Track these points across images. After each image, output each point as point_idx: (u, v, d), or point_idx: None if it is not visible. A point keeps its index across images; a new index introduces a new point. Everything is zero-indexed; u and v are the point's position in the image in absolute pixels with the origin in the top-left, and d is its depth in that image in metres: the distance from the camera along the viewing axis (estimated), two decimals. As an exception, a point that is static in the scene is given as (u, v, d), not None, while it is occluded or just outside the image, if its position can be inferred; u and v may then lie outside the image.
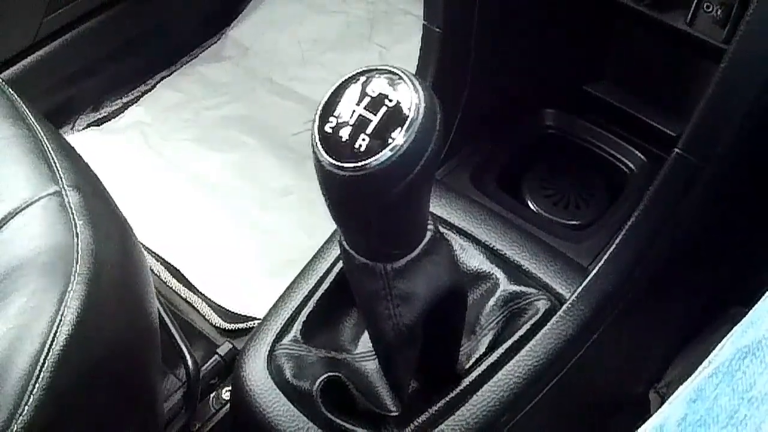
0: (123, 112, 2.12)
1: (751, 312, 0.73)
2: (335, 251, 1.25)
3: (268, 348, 1.20)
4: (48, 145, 1.11)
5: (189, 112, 2.11)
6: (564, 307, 1.18)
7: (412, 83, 0.78)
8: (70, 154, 1.12)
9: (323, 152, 0.78)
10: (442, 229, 0.96)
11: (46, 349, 0.89)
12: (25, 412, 0.86)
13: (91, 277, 0.95)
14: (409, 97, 0.77)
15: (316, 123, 0.80)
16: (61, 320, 0.90)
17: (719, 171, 1.12)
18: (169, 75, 2.21)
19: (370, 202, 0.81)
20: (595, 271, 1.19)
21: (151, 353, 1.10)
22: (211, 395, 1.53)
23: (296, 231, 1.81)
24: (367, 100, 0.78)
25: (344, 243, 0.90)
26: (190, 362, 1.44)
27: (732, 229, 1.35)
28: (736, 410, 0.64)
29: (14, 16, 1.86)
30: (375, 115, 0.77)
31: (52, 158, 1.09)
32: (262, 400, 1.16)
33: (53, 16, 1.91)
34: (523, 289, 1.20)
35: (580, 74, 1.51)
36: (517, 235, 1.27)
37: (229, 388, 1.44)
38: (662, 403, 0.73)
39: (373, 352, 1.13)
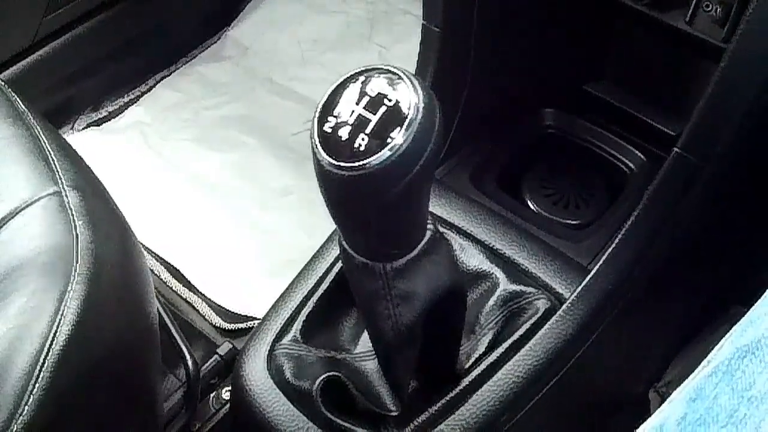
0: (123, 112, 2.12)
1: (750, 311, 0.73)
2: (335, 251, 1.25)
3: (268, 348, 1.20)
4: (48, 146, 1.11)
5: (189, 112, 2.11)
6: (564, 306, 1.18)
7: (412, 83, 0.78)
8: (69, 155, 1.12)
9: (322, 152, 0.78)
10: (441, 229, 0.96)
11: (46, 349, 0.89)
12: (25, 412, 0.86)
13: (90, 277, 0.95)
14: (409, 97, 0.77)
15: (315, 123, 0.80)
16: (60, 320, 0.91)
17: (719, 170, 1.12)
18: (168, 75, 2.21)
19: (369, 202, 0.81)
20: (594, 271, 1.19)
21: (151, 353, 1.10)
22: (211, 395, 1.53)
23: (296, 231, 1.81)
24: (366, 99, 0.78)
25: (344, 243, 0.90)
26: (190, 362, 1.44)
27: (731, 228, 1.35)
28: (735, 409, 0.64)
29: (14, 16, 1.86)
30: (374, 114, 0.77)
31: (52, 158, 1.09)
32: (262, 400, 1.16)
33: (53, 16, 1.91)
34: (523, 288, 1.20)
35: (580, 74, 1.51)
36: (517, 234, 1.27)
37: (229, 387, 1.44)
38: (662, 402, 0.73)
39: (373, 352, 1.13)
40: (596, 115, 1.51)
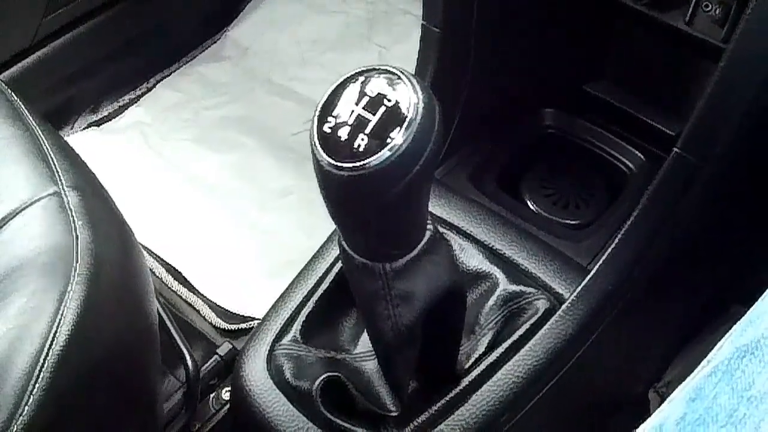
0: (122, 112, 2.12)
1: (750, 311, 0.73)
2: (335, 251, 1.25)
3: (268, 348, 1.20)
4: (47, 146, 1.11)
5: (188, 112, 2.11)
6: (563, 306, 1.18)
7: (411, 83, 0.78)
8: (69, 155, 1.13)
9: (322, 152, 0.78)
10: (441, 229, 0.96)
11: (45, 350, 0.89)
12: (25, 412, 0.86)
13: (90, 278, 0.95)
14: (408, 97, 0.77)
15: (315, 123, 0.80)
16: (60, 320, 0.91)
17: (718, 170, 1.12)
18: (168, 75, 2.21)
19: (368, 202, 0.81)
20: (594, 271, 1.19)
21: (150, 354, 1.10)
22: (211, 395, 1.53)
23: (295, 231, 1.81)
24: (365, 99, 0.78)
25: (343, 243, 0.90)
26: (189, 362, 1.44)
27: (731, 228, 1.35)
28: (735, 409, 0.64)
29: (14, 17, 1.86)
30: (374, 114, 0.77)
31: (52, 159, 1.09)
32: (261, 400, 1.16)
33: (52, 16, 1.91)
34: (523, 288, 1.20)
35: (580, 74, 1.51)
36: (517, 234, 1.27)
37: (229, 388, 1.45)
38: (662, 402, 0.73)
39: (373, 352, 1.13)
40: (596, 115, 1.51)
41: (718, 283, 1.48)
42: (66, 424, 0.92)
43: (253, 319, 1.65)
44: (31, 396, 0.87)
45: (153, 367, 1.12)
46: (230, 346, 1.58)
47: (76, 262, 0.96)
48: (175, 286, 1.73)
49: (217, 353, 1.57)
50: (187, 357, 1.45)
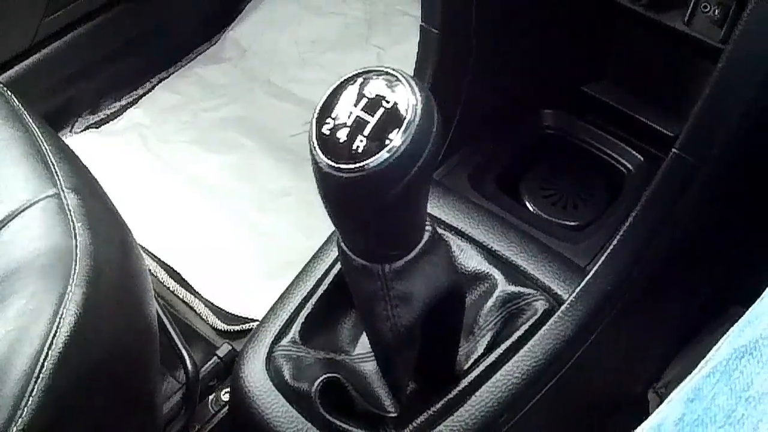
0: (121, 114, 2.11)
1: (748, 312, 0.73)
2: (334, 253, 1.25)
3: (267, 349, 1.20)
4: (47, 148, 1.11)
5: (187, 113, 2.10)
6: (562, 307, 1.18)
7: (410, 84, 0.78)
8: (68, 156, 1.13)
9: (321, 154, 0.78)
10: (440, 230, 0.96)
11: (45, 351, 0.89)
12: (25, 414, 0.86)
13: (89, 279, 0.95)
14: (407, 99, 0.77)
15: (314, 125, 0.80)
16: (60, 322, 0.91)
17: (716, 171, 1.12)
18: (167, 77, 2.21)
19: (367, 204, 0.81)
20: (593, 272, 1.19)
21: (149, 355, 1.10)
22: (210, 397, 1.53)
23: (294, 232, 1.81)
24: (364, 101, 0.78)
25: (342, 244, 0.90)
26: (189, 364, 1.44)
27: (729, 228, 1.35)
28: (733, 409, 0.64)
29: (13, 18, 1.86)
30: (372, 116, 0.77)
31: (51, 160, 1.09)
32: (260, 402, 1.16)
33: (52, 18, 1.91)
34: (522, 289, 1.20)
35: (580, 75, 1.51)
36: (515, 235, 1.27)
37: (228, 389, 1.44)
38: (661, 403, 0.73)
39: (372, 353, 1.13)
40: (595, 116, 1.51)
41: (717, 284, 1.48)
42: (65, 426, 0.92)
43: (253, 320, 1.65)
44: (31, 397, 0.87)
45: (152, 368, 1.12)
46: (229, 348, 1.58)
47: (76, 263, 0.96)
48: (175, 287, 1.73)
49: (216, 354, 1.57)
50: (187, 358, 1.45)
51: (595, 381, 1.35)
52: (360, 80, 0.80)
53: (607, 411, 1.43)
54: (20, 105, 1.18)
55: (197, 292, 1.72)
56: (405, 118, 0.77)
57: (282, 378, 1.16)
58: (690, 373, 0.72)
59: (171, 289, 1.72)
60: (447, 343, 1.11)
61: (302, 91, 2.13)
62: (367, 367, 1.15)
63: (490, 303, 1.20)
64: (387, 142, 0.76)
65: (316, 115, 0.80)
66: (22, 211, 1.02)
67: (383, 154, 0.76)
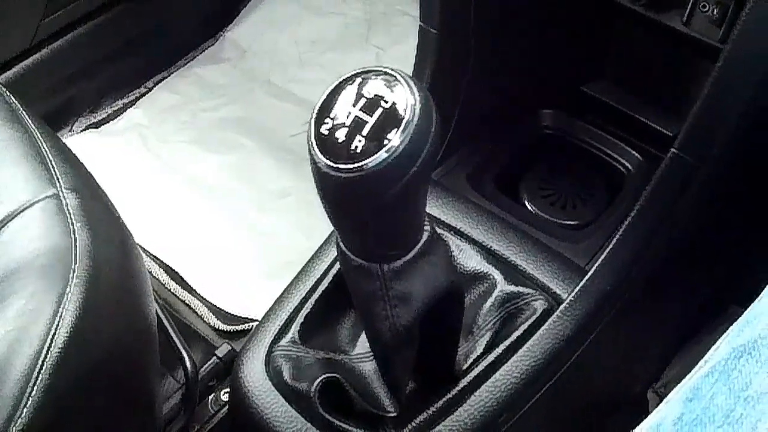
0: (121, 114, 2.11)
1: (747, 311, 0.73)
2: (333, 252, 1.25)
3: (266, 349, 1.20)
4: (46, 148, 1.11)
5: (187, 114, 2.11)
6: (561, 307, 1.18)
7: (408, 84, 0.78)
8: (67, 157, 1.13)
9: (319, 154, 0.78)
10: (439, 230, 0.96)
11: (44, 352, 0.89)
12: (24, 414, 0.86)
13: (89, 279, 0.95)
14: (405, 99, 0.77)
15: (312, 125, 0.80)
16: (59, 322, 0.91)
17: (715, 171, 1.12)
18: (166, 77, 2.21)
19: (366, 204, 0.81)
20: (592, 272, 1.19)
21: (149, 355, 1.10)
22: (210, 397, 1.53)
23: (294, 232, 1.81)
24: (363, 101, 0.78)
25: (341, 244, 0.90)
26: (188, 364, 1.44)
27: (728, 228, 1.35)
28: (732, 409, 0.64)
29: (12, 19, 1.86)
30: (371, 116, 0.78)
31: (50, 161, 1.09)
32: (260, 402, 1.16)
33: (51, 18, 1.91)
34: (521, 289, 1.20)
35: (579, 74, 1.51)
36: (515, 235, 1.27)
37: (228, 389, 1.45)
38: (661, 402, 0.73)
39: (371, 353, 1.13)
40: (594, 115, 1.51)
41: (716, 284, 1.48)
42: (65, 426, 0.92)
43: (252, 320, 1.65)
44: (30, 398, 0.87)
45: (152, 368, 1.12)
46: (229, 348, 1.58)
47: (75, 264, 0.96)
48: (174, 287, 1.73)
49: (215, 355, 1.57)
50: (186, 358, 1.45)
51: (595, 381, 1.35)
52: (359, 80, 0.80)
53: (606, 411, 1.43)
54: (20, 105, 1.18)
55: (196, 292, 1.72)
56: (403, 118, 0.77)
57: (281, 378, 1.16)
58: (689, 373, 0.72)
59: (170, 289, 1.72)
60: (446, 343, 1.11)
61: (302, 91, 2.13)
62: (366, 366, 1.15)
63: (489, 303, 1.20)
64: (385, 142, 0.76)
65: (314, 115, 0.80)
66: (22, 211, 1.02)
67: (382, 154, 0.76)
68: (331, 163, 0.78)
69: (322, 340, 1.20)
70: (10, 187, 1.06)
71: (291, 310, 1.22)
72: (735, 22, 1.04)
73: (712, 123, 1.09)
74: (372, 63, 2.09)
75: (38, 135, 1.14)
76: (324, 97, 0.81)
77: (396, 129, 0.77)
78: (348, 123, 0.78)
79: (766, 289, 0.75)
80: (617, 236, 1.19)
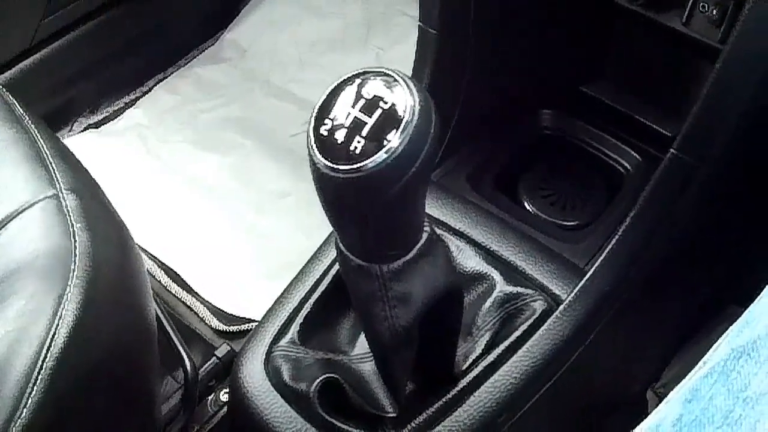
0: (121, 114, 2.12)
1: (746, 312, 0.73)
2: (332, 253, 1.25)
3: (266, 350, 1.20)
4: (46, 149, 1.11)
5: (186, 114, 2.11)
6: (560, 307, 1.18)
7: (407, 85, 0.78)
8: (67, 158, 1.13)
9: (319, 154, 0.78)
10: (438, 231, 0.96)
11: (44, 352, 0.89)
12: (24, 415, 0.86)
13: (88, 280, 0.95)
14: (404, 99, 0.77)
15: (312, 125, 0.80)
16: (59, 323, 0.91)
17: (715, 171, 1.12)
18: (166, 77, 2.21)
19: (365, 204, 0.81)
20: (591, 272, 1.19)
21: (149, 355, 1.10)
22: (209, 397, 1.53)
23: (293, 233, 1.81)
24: (362, 102, 0.78)
25: (340, 245, 0.90)
26: (188, 364, 1.44)
27: (728, 228, 1.35)
28: (731, 410, 0.64)
29: (12, 19, 1.86)
30: (370, 117, 0.78)
31: (50, 161, 1.09)
32: (259, 402, 1.16)
33: (51, 18, 1.91)
34: (520, 290, 1.20)
35: (579, 75, 1.51)
36: (514, 236, 1.27)
37: (227, 390, 1.45)
38: (660, 402, 0.73)
39: (370, 354, 1.13)
40: (593, 116, 1.51)
41: (716, 284, 1.48)
42: (65, 426, 0.92)
43: (251, 320, 1.65)
44: (30, 398, 0.87)
45: (151, 368, 1.12)
46: (228, 348, 1.58)
47: (74, 264, 0.96)
48: (173, 288, 1.73)
49: (215, 355, 1.57)
50: (185, 359, 1.45)
51: (594, 381, 1.35)
52: (358, 81, 0.80)
53: (605, 411, 1.43)
54: (19, 106, 1.18)
55: (196, 293, 1.72)
56: (403, 119, 0.77)
57: (281, 378, 1.16)
58: (688, 373, 0.72)
59: (170, 289, 1.73)
60: (445, 344, 1.11)
61: (301, 92, 2.13)
62: (365, 367, 1.15)
63: (488, 303, 1.20)
64: (385, 143, 0.76)
65: (313, 116, 0.80)
66: (22, 212, 1.02)
67: (381, 155, 0.76)
68: (331, 164, 0.78)
69: (322, 340, 1.20)
70: (9, 187, 1.06)
71: (290, 311, 1.22)
72: (734, 22, 1.04)
73: (711, 123, 1.09)
74: (372, 63, 2.08)
75: (38, 135, 1.14)
76: (323, 97, 0.81)
77: (395, 130, 0.77)
78: (347, 124, 0.78)
79: (765, 289, 0.75)
80: (616, 237, 1.19)
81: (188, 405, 1.46)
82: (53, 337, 0.90)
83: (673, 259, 1.24)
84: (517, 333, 1.16)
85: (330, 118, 0.79)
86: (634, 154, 1.46)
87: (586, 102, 1.50)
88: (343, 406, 1.11)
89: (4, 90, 1.20)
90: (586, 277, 1.20)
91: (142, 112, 2.11)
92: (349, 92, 0.79)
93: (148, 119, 2.09)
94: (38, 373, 0.88)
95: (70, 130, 2.07)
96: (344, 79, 0.81)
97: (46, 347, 0.89)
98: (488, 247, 1.26)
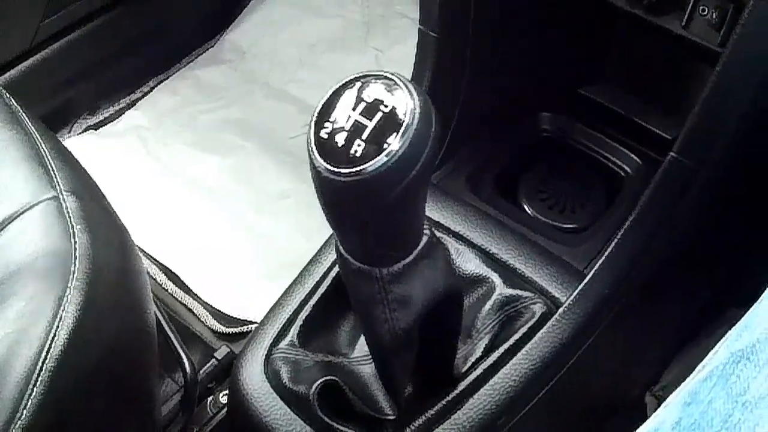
0: (120, 116, 2.11)
1: (745, 316, 0.73)
2: (332, 255, 1.25)
3: (265, 352, 1.20)
4: (45, 150, 1.11)
5: (186, 116, 2.11)
6: (560, 310, 1.18)
7: (408, 89, 0.78)
8: (67, 159, 1.13)
9: (319, 158, 0.78)
10: (438, 233, 0.96)
11: (44, 353, 0.89)
12: (24, 416, 0.86)
13: (88, 282, 0.95)
14: (405, 103, 0.77)
15: (312, 128, 0.80)
16: (59, 324, 0.91)
17: (714, 174, 1.12)
18: (166, 79, 2.21)
19: (365, 207, 0.81)
20: (590, 275, 1.19)
21: (148, 357, 1.10)
22: (209, 399, 1.53)
23: (293, 234, 1.81)
24: (362, 105, 0.78)
25: (340, 247, 0.90)
26: (187, 366, 1.44)
27: (727, 231, 1.35)
28: (730, 414, 0.64)
29: (12, 20, 1.86)
30: (370, 120, 0.78)
31: (50, 163, 1.09)
32: (259, 404, 1.16)
33: (51, 19, 1.91)
34: (519, 292, 1.20)
35: (579, 76, 1.51)
36: (513, 238, 1.27)
37: (227, 391, 1.45)
38: (659, 406, 0.73)
39: (370, 356, 1.13)
40: (593, 118, 1.51)
41: (715, 286, 1.48)
42: (65, 428, 0.92)
43: (251, 322, 1.65)
44: (30, 399, 0.87)
45: (151, 370, 1.12)
46: (228, 350, 1.58)
47: (74, 266, 0.96)
48: (173, 289, 1.73)
49: (214, 357, 1.57)
50: (185, 360, 1.45)
51: (593, 384, 1.36)
52: (358, 84, 0.80)
53: (604, 414, 1.43)
54: (19, 107, 1.18)
55: (196, 295, 1.72)
56: (403, 123, 0.77)
57: (280, 380, 1.16)
58: (687, 377, 0.72)
59: (169, 291, 1.72)
60: (445, 346, 1.11)
61: (301, 93, 2.14)
62: (365, 369, 1.16)
63: (488, 306, 1.20)
64: (385, 146, 0.76)
65: (314, 119, 0.80)
66: (21, 213, 1.02)
67: (381, 158, 0.76)
68: (331, 167, 0.78)
69: (321, 342, 1.20)
70: (9, 189, 1.06)
71: (290, 313, 1.22)
72: (734, 25, 1.04)
73: (711, 126, 1.09)
74: (371, 64, 2.10)
75: (38, 137, 1.14)
76: (324, 101, 0.81)
77: (395, 133, 0.77)
78: (348, 127, 0.78)
79: (765, 293, 0.75)
80: (616, 240, 1.19)
81: (187, 407, 1.46)
82: (53, 338, 0.90)
83: (673, 262, 1.24)
84: (517, 336, 1.16)
85: (330, 122, 0.79)
86: (634, 157, 1.46)
87: (586, 104, 1.50)
88: (342, 409, 1.11)
89: (4, 91, 1.20)
90: (586, 280, 1.20)
91: (141, 114, 2.11)
92: (350, 95, 0.80)
93: (148, 121, 2.09)
94: (38, 374, 0.88)
95: (69, 132, 2.07)
96: (344, 83, 0.81)
97: (46, 349, 0.89)
98: (488, 249, 1.26)
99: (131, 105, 2.14)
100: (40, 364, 0.88)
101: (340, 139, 0.78)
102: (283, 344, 1.19)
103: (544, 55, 1.45)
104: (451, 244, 1.26)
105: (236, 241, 1.82)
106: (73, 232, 1.00)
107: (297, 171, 1.92)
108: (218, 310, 1.69)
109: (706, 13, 1.14)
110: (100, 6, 2.01)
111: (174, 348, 1.46)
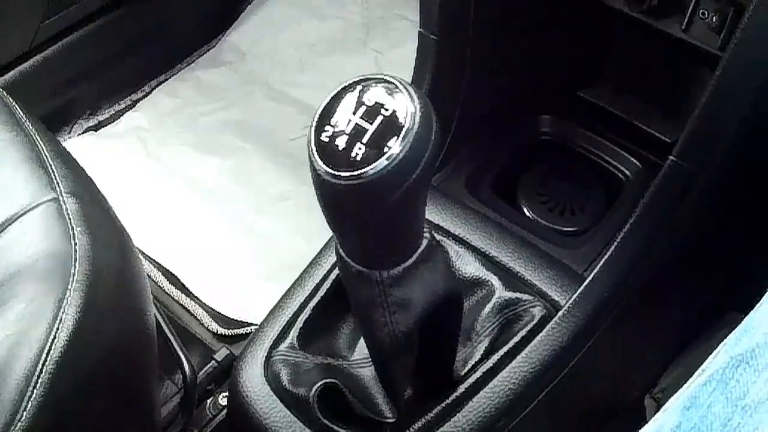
0: (120, 117, 2.12)
1: (745, 320, 0.73)
2: (332, 258, 1.25)
3: (265, 354, 1.20)
4: (46, 152, 1.11)
5: (186, 117, 2.11)
6: (559, 313, 1.18)
7: (408, 92, 0.78)
8: (67, 161, 1.13)
9: (319, 161, 0.79)
10: (437, 236, 0.96)
11: (44, 355, 0.89)
12: (24, 418, 0.86)
13: (88, 283, 0.95)
14: (405, 106, 0.78)
15: (312, 132, 0.80)
16: (59, 326, 0.91)
17: (714, 177, 1.12)
18: (166, 80, 2.21)
19: (366, 210, 0.81)
20: (590, 278, 1.19)
21: (148, 358, 1.10)
22: (208, 401, 1.53)
23: (293, 236, 1.81)
24: (363, 109, 0.79)
25: (340, 250, 0.90)
26: (187, 368, 1.44)
27: (727, 234, 1.35)
28: (729, 418, 0.64)
29: (12, 21, 1.86)
30: (371, 124, 0.78)
31: (50, 164, 1.09)
32: (258, 406, 1.16)
33: (51, 20, 1.91)
34: (519, 295, 1.21)
35: (579, 78, 1.51)
36: (513, 241, 1.27)
37: (226, 393, 1.44)
38: (658, 408, 0.73)
39: (370, 359, 1.13)
40: (593, 122, 1.51)
41: (715, 290, 1.48)
42: (65, 429, 0.93)
43: (251, 324, 1.65)
44: (30, 401, 0.87)
45: (151, 372, 1.12)
46: (227, 352, 1.58)
47: (74, 268, 0.96)
48: (173, 291, 1.73)
49: (214, 358, 1.57)
50: (185, 362, 1.45)
51: (592, 387, 1.35)
52: (359, 88, 0.80)
53: (603, 417, 1.43)
54: (19, 108, 1.18)
55: (195, 296, 1.72)
56: (404, 126, 0.77)
57: (280, 383, 1.16)
58: (688, 379, 0.72)
59: (169, 292, 1.72)
60: (445, 349, 1.11)
61: (301, 95, 2.14)
62: (364, 372, 1.16)
63: (487, 309, 1.20)
64: (386, 149, 0.77)
65: (314, 123, 0.80)
66: (22, 215, 1.02)
67: (382, 162, 0.76)
68: (331, 171, 0.78)
69: (321, 345, 1.20)
70: (9, 190, 1.06)
71: (290, 315, 1.22)
72: (734, 29, 1.04)
73: (711, 130, 1.09)
74: (370, 66, 2.10)
75: (38, 138, 1.14)
76: (324, 104, 0.81)
77: (396, 137, 0.77)
78: (348, 130, 0.78)
79: (764, 297, 0.76)
80: (615, 243, 1.19)
81: (187, 408, 1.46)
82: (53, 340, 0.90)
83: (673, 265, 1.24)
84: (516, 339, 1.16)
85: (331, 125, 0.79)
86: (634, 161, 1.46)
87: (585, 107, 1.50)
88: (342, 411, 1.11)
89: (4, 92, 1.21)
90: (585, 283, 1.19)
91: (141, 115, 2.11)
92: (350, 99, 0.80)
93: (148, 122, 2.09)
94: (38, 376, 0.88)
95: (69, 133, 2.07)
96: (345, 86, 0.81)
97: (46, 350, 0.89)
98: (487, 252, 1.26)
99: (131, 106, 2.15)
100: (40, 365, 0.88)
101: (341, 142, 0.78)
102: (282, 346, 1.20)
103: (544, 56, 1.45)
104: (451, 247, 1.26)
105: (236, 243, 1.82)
106: (73, 234, 1.00)
107: (297, 173, 1.93)
108: (218, 312, 1.69)
109: (706, 16, 1.14)
110: (100, 7, 2.01)
111: (174, 350, 1.46)
